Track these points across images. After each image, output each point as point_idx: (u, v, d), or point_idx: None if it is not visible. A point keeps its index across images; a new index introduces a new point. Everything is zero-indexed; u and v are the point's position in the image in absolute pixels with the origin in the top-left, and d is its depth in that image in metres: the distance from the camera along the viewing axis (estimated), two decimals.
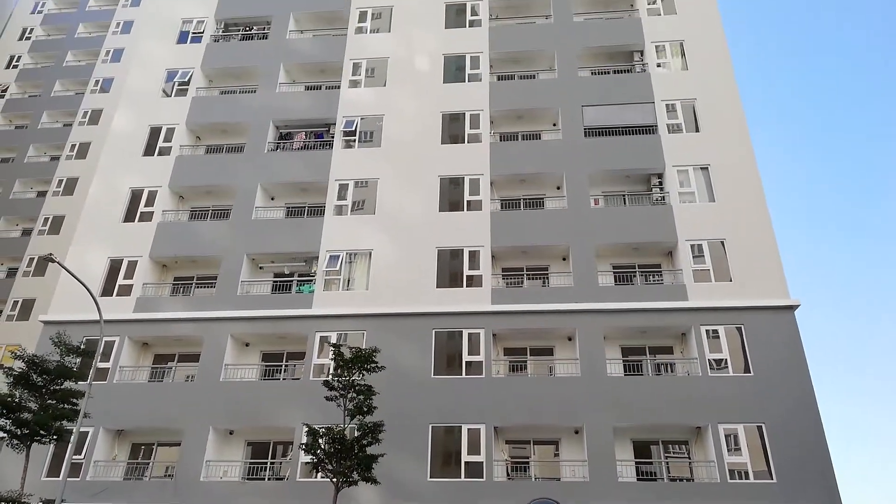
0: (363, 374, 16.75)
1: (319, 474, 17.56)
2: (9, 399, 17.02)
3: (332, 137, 26.36)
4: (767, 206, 22.49)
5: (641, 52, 26.96)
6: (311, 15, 30.08)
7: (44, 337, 22.08)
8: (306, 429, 16.70)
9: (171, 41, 29.64)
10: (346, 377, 16.67)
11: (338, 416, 16.70)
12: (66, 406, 17.54)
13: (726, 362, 20.29)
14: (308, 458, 17.27)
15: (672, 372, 21.57)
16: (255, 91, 28.11)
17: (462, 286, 22.51)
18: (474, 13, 28.52)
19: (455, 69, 27.23)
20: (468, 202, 24.05)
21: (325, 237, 23.87)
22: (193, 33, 29.78)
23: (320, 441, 15.98)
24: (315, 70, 28.82)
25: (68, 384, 17.88)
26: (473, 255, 22.99)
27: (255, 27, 30.33)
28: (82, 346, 18.79)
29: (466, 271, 22.71)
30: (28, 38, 45.79)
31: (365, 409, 16.35)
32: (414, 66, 27.41)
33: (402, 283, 22.63)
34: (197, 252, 24.41)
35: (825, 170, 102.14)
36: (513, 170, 24.70)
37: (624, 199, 24.59)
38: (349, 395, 16.57)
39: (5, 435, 17.25)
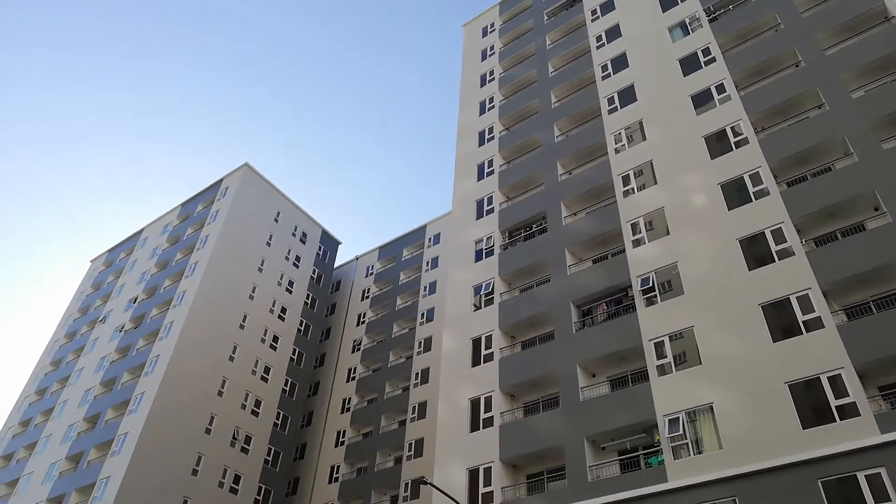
0: None
1: None
2: None
3: (633, 300, 26.22)
4: None
5: None
6: (578, 198, 31.93)
7: None
8: None
9: (471, 262, 33.67)
10: None
11: None
12: None
13: None
14: None
15: None
16: (549, 280, 29.88)
17: (834, 420, 19.12)
18: (737, 133, 27.56)
19: (736, 192, 25.95)
20: (804, 323, 21.30)
21: (657, 402, 22.76)
22: (486, 249, 33.58)
23: None
24: (596, 243, 29.83)
25: None
26: (835, 382, 19.68)
27: (534, 225, 33.14)
28: None
29: (833, 402, 19.38)
30: (367, 297, 56.06)
31: None
32: (692, 205, 26.83)
33: (760, 432, 20.03)
34: (539, 446, 24.94)
35: None
36: (846, 272, 21.58)
37: None
38: None
39: None
